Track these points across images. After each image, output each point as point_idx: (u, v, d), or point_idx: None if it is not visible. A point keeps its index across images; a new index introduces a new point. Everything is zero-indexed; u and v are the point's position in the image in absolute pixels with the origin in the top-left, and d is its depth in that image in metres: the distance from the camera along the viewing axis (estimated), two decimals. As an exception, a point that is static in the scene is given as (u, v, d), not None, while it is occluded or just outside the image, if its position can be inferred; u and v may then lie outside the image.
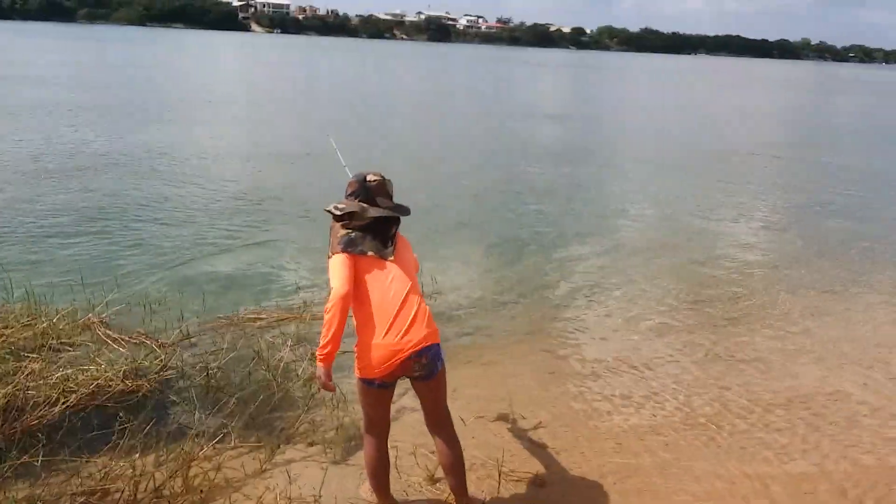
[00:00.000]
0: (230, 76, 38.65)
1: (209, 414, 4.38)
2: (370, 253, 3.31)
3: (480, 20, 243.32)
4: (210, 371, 4.80)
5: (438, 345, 3.37)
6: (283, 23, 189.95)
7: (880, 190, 13.82)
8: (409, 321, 3.25)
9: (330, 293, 3.20)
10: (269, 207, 9.88)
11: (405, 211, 3.50)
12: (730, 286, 7.40)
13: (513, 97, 33.81)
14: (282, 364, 4.98)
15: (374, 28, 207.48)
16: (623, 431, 4.51)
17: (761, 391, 5.10)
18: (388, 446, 3.56)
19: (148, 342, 5.17)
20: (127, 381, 4.44)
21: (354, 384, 3.51)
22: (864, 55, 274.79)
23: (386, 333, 3.23)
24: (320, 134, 17.44)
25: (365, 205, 3.37)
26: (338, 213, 3.37)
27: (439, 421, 3.52)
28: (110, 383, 4.40)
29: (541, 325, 6.25)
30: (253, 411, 4.47)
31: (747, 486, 3.96)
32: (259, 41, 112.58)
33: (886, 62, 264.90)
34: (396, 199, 3.53)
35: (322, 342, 3.21)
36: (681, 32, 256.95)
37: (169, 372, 4.76)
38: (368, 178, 3.45)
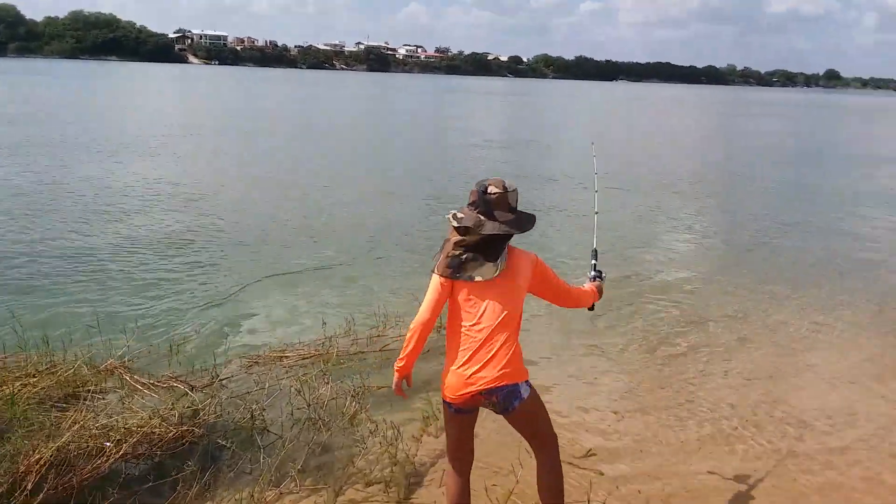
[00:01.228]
0: (199, 107, 38.03)
1: (262, 456, 4.26)
2: (477, 278, 3.19)
3: (419, 49, 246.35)
4: (253, 412, 4.68)
5: (516, 384, 3.23)
6: (220, 54, 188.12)
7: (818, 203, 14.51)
8: (486, 358, 3.18)
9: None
10: (277, 241, 9.78)
11: (524, 226, 3.27)
12: (721, 308, 7.60)
13: (477, 125, 34.18)
14: (325, 402, 4.90)
15: (313, 58, 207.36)
16: (678, 449, 4.59)
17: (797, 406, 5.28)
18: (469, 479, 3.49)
19: (179, 386, 5.00)
20: (174, 428, 4.29)
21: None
22: (787, 79, 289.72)
23: (463, 364, 3.20)
24: (313, 165, 17.44)
25: (482, 217, 3.20)
26: (455, 223, 3.23)
27: (538, 446, 3.45)
28: (155, 430, 4.25)
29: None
30: (305, 452, 4.37)
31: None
32: (202, 72, 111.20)
33: (807, 85, 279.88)
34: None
35: (399, 356, 3.35)
36: (614, 60, 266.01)
37: (210, 415, 4.62)
38: (489, 189, 3.24)
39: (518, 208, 3.28)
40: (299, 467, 4.19)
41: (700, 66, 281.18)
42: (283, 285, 7.82)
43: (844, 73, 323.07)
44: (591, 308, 3.80)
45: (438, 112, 45.08)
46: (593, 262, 3.96)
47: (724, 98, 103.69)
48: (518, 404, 3.26)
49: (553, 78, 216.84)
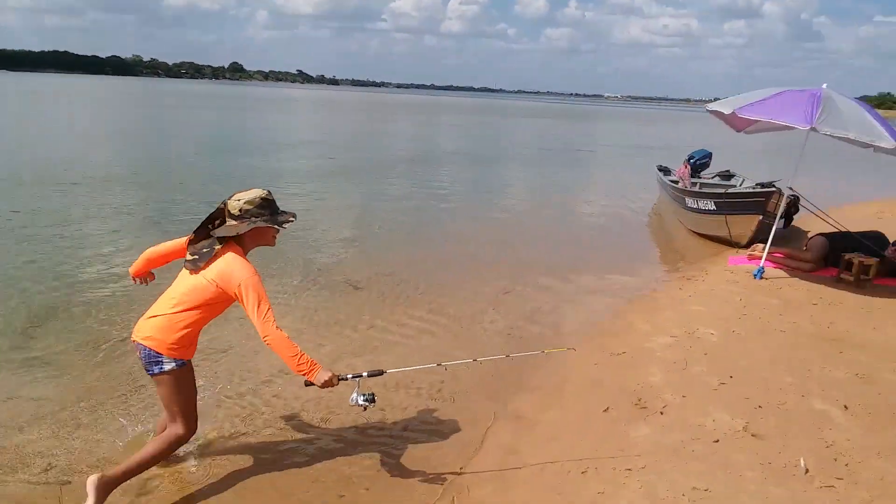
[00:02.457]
0: None
1: None
2: (189, 256, 3.75)
3: None
4: None
5: (160, 355, 3.60)
6: None
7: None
8: (152, 315, 3.68)
9: None
10: None
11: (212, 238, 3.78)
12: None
13: None
14: None
15: None
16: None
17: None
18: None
19: None
20: None
21: None
22: (196, 71, 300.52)
23: (146, 312, 3.75)
24: None
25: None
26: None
27: (169, 419, 3.81)
28: None
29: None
30: None
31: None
32: None
33: (215, 77, 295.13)
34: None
35: None
36: (2, 48, 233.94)
37: None
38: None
39: (238, 216, 3.80)
40: None
41: (103, 55, 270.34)
42: None
43: (248, 67, 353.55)
44: (307, 384, 3.74)
45: None
46: (364, 373, 3.92)
47: (141, 89, 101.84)
48: (157, 371, 3.64)
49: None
